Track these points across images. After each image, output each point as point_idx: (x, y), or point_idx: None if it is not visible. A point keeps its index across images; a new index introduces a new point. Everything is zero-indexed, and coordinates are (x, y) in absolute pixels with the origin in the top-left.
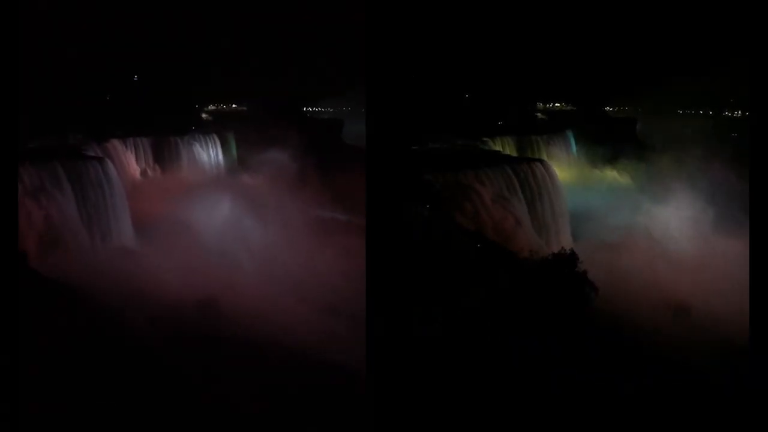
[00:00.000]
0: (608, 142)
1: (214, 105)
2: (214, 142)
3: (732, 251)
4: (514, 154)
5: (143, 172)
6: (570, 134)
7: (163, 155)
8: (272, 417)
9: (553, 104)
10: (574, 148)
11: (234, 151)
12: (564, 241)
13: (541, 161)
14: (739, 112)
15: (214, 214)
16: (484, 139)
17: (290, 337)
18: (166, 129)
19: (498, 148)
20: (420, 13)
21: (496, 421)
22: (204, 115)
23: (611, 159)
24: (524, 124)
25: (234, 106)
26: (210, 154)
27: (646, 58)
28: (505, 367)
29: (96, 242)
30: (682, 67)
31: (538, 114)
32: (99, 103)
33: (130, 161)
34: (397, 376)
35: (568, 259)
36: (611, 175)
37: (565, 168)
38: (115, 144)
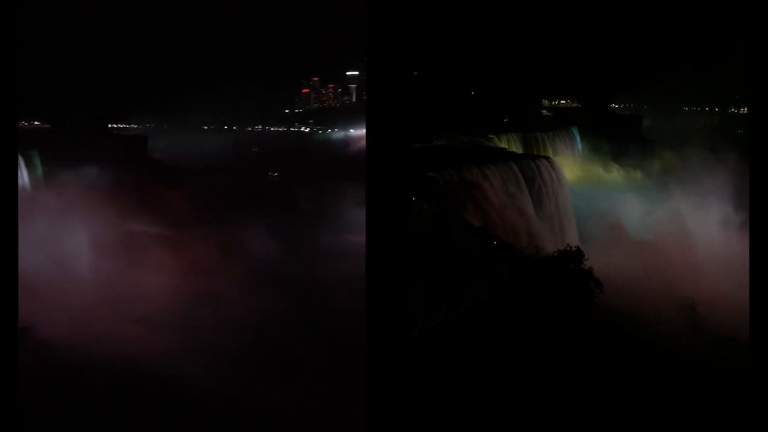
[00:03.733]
0: (613, 138)
1: None
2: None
3: (737, 248)
4: (520, 151)
5: None
6: (575, 131)
7: None
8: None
9: (559, 101)
10: (579, 144)
11: (39, 170)
12: (569, 237)
13: (546, 158)
14: (745, 109)
15: (21, 236)
16: (490, 136)
17: (107, 350)
18: None
19: (503, 145)
20: (425, 11)
21: (497, 419)
22: None
23: (616, 156)
24: (529, 121)
25: (37, 123)
26: None
27: (651, 56)
28: (508, 363)
29: None
30: (687, 64)
31: (544, 111)
32: None
33: None
34: (396, 376)
35: (574, 255)
36: (616, 171)
37: (570, 165)
38: None
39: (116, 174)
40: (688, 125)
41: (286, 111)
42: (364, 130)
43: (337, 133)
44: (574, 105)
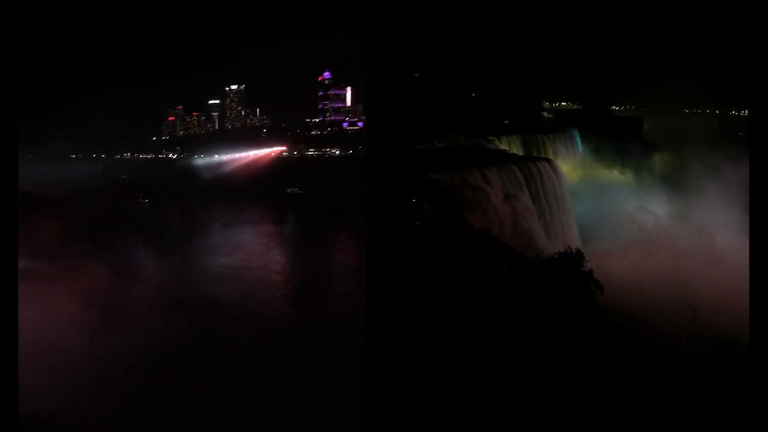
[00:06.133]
0: (614, 140)
1: None
2: None
3: (738, 249)
4: (521, 152)
5: None
6: (576, 133)
7: None
8: None
9: (560, 103)
10: (580, 147)
11: None
12: (570, 238)
13: (547, 160)
14: (746, 111)
15: None
16: (490, 137)
17: None
18: None
19: (504, 146)
20: (426, 12)
21: (497, 419)
22: None
23: (617, 158)
24: (530, 123)
25: None
26: None
27: (651, 57)
28: (508, 363)
29: None
30: (687, 64)
31: (545, 113)
32: None
33: None
34: (396, 376)
35: (574, 256)
36: (617, 173)
37: (571, 167)
38: None
39: None
40: (689, 127)
41: (154, 138)
42: (228, 156)
43: (203, 159)
44: (575, 107)
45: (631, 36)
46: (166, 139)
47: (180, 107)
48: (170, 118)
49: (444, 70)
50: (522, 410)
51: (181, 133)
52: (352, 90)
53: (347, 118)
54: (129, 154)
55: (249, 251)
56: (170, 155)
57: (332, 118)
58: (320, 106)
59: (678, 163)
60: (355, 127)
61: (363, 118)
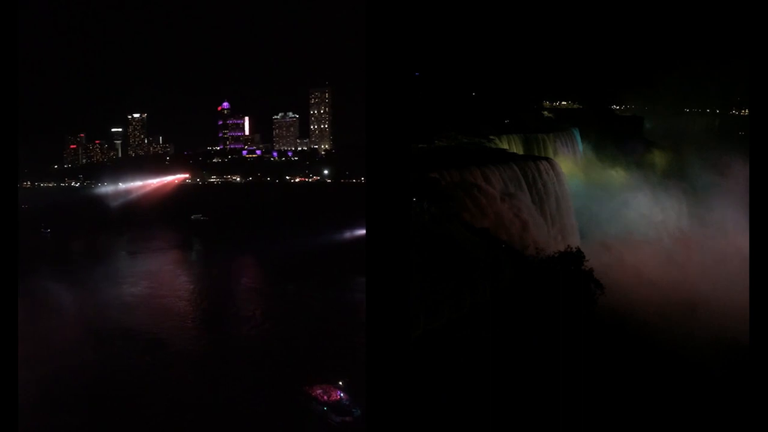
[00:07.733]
0: (615, 140)
1: None
2: None
3: (738, 249)
4: (521, 152)
5: None
6: (576, 132)
7: None
8: None
9: (560, 102)
10: (580, 146)
11: None
12: (570, 238)
13: (547, 159)
14: (746, 111)
15: None
16: (491, 137)
17: None
18: None
19: (505, 146)
20: (426, 11)
21: (498, 419)
22: None
23: (617, 157)
24: (531, 122)
25: None
26: None
27: (652, 57)
28: (508, 363)
29: None
30: (688, 65)
31: (545, 112)
32: None
33: None
34: (396, 376)
35: (575, 256)
36: (617, 172)
37: (571, 166)
38: None
39: None
40: (690, 126)
41: (55, 166)
42: (132, 184)
43: (107, 187)
44: (576, 106)
45: (632, 36)
46: (68, 167)
47: (82, 135)
48: (72, 146)
49: (444, 70)
50: (522, 410)
51: (84, 161)
52: (249, 119)
53: (246, 146)
54: (29, 182)
55: (156, 279)
56: (73, 183)
57: (232, 146)
58: (220, 135)
59: (679, 162)
60: (254, 155)
61: (261, 146)
